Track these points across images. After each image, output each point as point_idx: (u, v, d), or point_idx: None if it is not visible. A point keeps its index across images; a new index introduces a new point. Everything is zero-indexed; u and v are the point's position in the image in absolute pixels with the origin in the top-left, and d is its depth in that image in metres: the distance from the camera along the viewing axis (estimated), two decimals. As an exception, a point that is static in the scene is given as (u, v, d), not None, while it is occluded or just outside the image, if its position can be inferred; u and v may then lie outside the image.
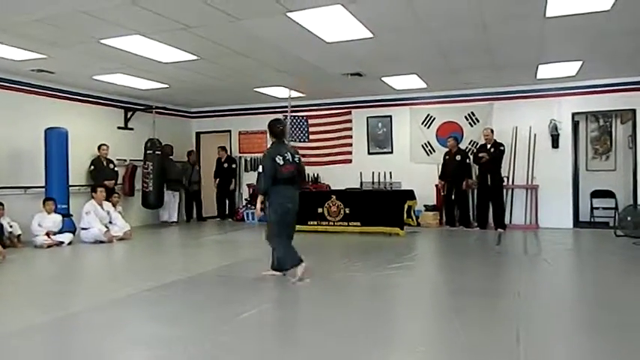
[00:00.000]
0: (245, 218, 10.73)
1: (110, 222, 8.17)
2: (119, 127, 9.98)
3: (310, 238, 8.06)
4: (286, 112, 10.84)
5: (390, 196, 8.84)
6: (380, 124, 10.48)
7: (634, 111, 8.73)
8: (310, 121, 10.91)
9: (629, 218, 7.76)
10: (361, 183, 10.37)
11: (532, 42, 6.36)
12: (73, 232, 7.91)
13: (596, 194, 9.72)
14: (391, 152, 10.39)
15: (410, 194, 8.71)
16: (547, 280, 5.26)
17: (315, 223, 8.73)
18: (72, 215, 8.12)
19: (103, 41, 5.98)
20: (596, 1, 4.89)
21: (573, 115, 9.22)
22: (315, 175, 10.80)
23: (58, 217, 7.68)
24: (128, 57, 6.71)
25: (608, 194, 9.63)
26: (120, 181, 9.65)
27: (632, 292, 4.56)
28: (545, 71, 8.06)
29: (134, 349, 3.16)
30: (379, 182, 10.28)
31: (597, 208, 9.63)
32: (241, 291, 4.61)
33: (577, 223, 9.23)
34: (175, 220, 10.52)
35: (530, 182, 9.30)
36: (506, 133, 9.31)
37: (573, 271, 5.93)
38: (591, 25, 5.67)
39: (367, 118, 10.54)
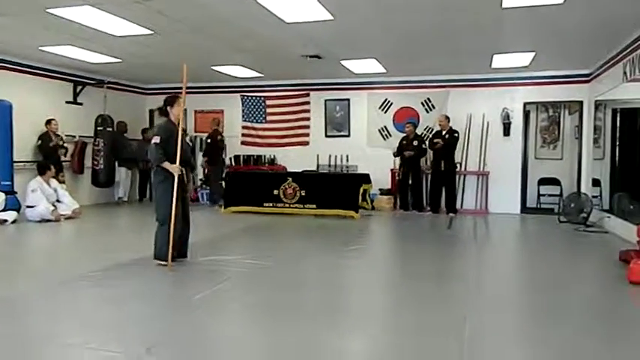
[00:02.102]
0: (200, 199, 10.59)
1: (57, 200, 7.87)
2: (68, 102, 9.55)
3: (265, 220, 8.05)
4: (243, 91, 10.77)
5: (346, 179, 8.91)
6: (338, 107, 10.49)
7: (581, 103, 9.08)
8: (268, 102, 10.83)
9: (572, 205, 8.13)
10: (318, 166, 10.40)
11: (488, 31, 6.48)
12: (18, 210, 7.58)
13: (543, 182, 10.14)
14: (348, 136, 10.44)
15: (365, 178, 8.79)
16: (494, 263, 5.47)
17: (271, 205, 8.71)
18: (16, 192, 7.77)
19: (50, 10, 5.67)
20: (550, -7, 5.03)
21: (525, 104, 9.52)
22: (272, 156, 10.74)
23: (1, 195, 7.33)
24: (78, 28, 6.39)
25: (554, 182, 10.07)
26: (68, 158, 9.29)
27: (572, 275, 4.80)
28: (500, 61, 8.25)
29: (84, 331, 3.07)
30: (336, 165, 10.34)
31: (544, 195, 10.06)
32: (195, 272, 4.56)
33: (524, 208, 9.59)
34: (126, 198, 10.29)
35: (481, 169, 9.57)
36: (461, 120, 9.52)
37: (519, 256, 6.18)
38: (545, 18, 5.82)
39: (325, 100, 10.53)
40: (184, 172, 4.78)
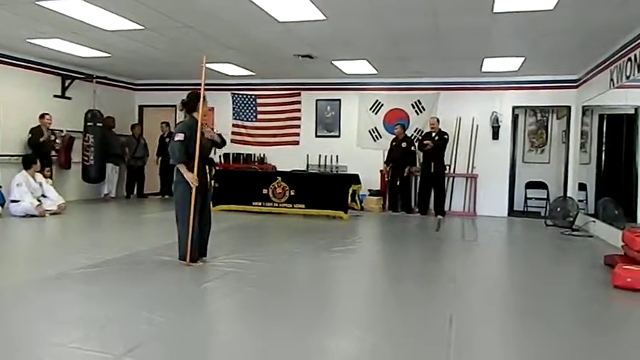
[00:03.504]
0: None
1: (43, 195, 7.77)
2: (55, 96, 9.43)
3: (254, 219, 8.03)
4: (234, 89, 10.72)
5: (336, 179, 8.90)
6: (329, 108, 10.49)
7: (569, 108, 9.18)
8: (259, 101, 10.80)
9: (558, 209, 8.21)
10: (307, 165, 10.40)
11: (479, 35, 6.52)
12: (2, 205, 7.48)
13: (531, 185, 10.23)
14: (338, 136, 10.44)
15: (355, 179, 8.80)
16: (481, 266, 5.50)
17: (260, 204, 8.68)
18: (1, 187, 7.67)
19: (39, 3, 5.60)
20: (540, 0, 5.07)
21: (514, 108, 9.60)
22: (262, 155, 10.72)
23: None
24: (67, 21, 6.32)
25: (541, 185, 10.15)
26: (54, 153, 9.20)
27: (557, 279, 4.84)
28: (490, 65, 8.31)
29: (67, 330, 3.03)
30: (325, 165, 10.34)
31: (531, 199, 10.14)
32: (179, 271, 4.52)
33: (511, 212, 9.66)
34: (113, 194, 10.21)
35: (470, 171, 9.63)
36: (450, 122, 9.57)
37: (505, 258, 6.23)
38: (535, 23, 5.88)
39: (316, 100, 10.52)
40: (207, 170, 4.71)
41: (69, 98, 9.64)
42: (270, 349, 2.85)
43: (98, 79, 9.84)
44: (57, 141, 8.80)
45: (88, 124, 9.42)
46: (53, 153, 8.92)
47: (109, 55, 8.43)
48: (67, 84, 9.59)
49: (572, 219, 7.88)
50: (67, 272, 4.30)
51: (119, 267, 4.57)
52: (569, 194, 8.79)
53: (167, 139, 10.37)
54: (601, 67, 7.49)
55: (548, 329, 3.28)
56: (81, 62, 9.16)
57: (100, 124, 9.55)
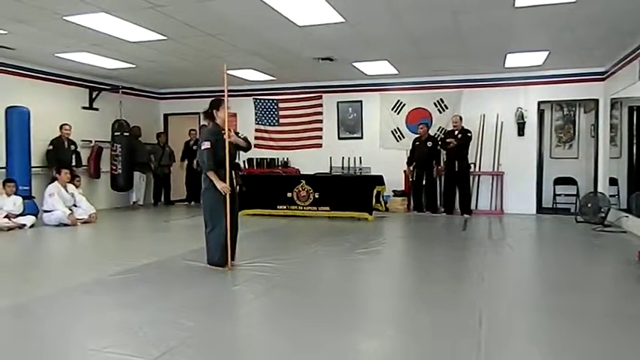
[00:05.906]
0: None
1: (74, 205, 7.97)
2: (84, 107, 9.68)
3: (279, 223, 8.08)
4: (256, 94, 10.81)
5: (360, 181, 8.90)
6: (350, 109, 10.49)
7: (596, 101, 8.97)
8: (280, 105, 10.86)
9: (589, 205, 8.03)
10: (331, 168, 10.40)
11: (501, 31, 6.44)
12: (36, 215, 7.70)
13: (559, 181, 10.03)
14: (361, 137, 10.43)
15: (379, 180, 8.78)
16: (510, 264, 5.42)
17: (285, 207, 8.73)
18: (34, 197, 7.89)
19: (66, 18, 5.77)
20: (563, -8, 4.99)
21: (539, 103, 9.43)
22: (285, 159, 10.77)
23: (19, 199, 7.45)
24: (93, 35, 6.49)
25: (570, 181, 9.95)
26: (85, 162, 9.41)
27: (591, 276, 4.74)
28: (513, 60, 8.19)
29: (102, 335, 3.11)
30: (349, 167, 10.33)
31: (560, 195, 9.94)
32: (209, 275, 4.58)
33: (540, 209, 9.48)
34: (141, 202, 10.40)
35: (496, 169, 9.50)
36: (474, 120, 9.46)
37: (535, 257, 6.12)
38: (558, 16, 5.77)
39: (338, 102, 10.53)
40: (234, 175, 4.78)
41: (96, 109, 9.87)
42: (301, 350, 2.87)
43: (124, 90, 10.06)
44: (78, 150, 8.94)
45: (115, 134, 9.63)
46: (83, 163, 9.11)
47: (134, 65, 8.61)
48: (94, 95, 9.82)
49: (603, 215, 7.70)
50: (101, 279, 4.41)
51: (150, 273, 4.66)
52: (599, 189, 8.58)
53: (194, 147, 10.51)
54: (629, 59, 7.30)
55: (581, 328, 3.22)
56: (107, 74, 9.37)
57: (127, 134, 9.75)
